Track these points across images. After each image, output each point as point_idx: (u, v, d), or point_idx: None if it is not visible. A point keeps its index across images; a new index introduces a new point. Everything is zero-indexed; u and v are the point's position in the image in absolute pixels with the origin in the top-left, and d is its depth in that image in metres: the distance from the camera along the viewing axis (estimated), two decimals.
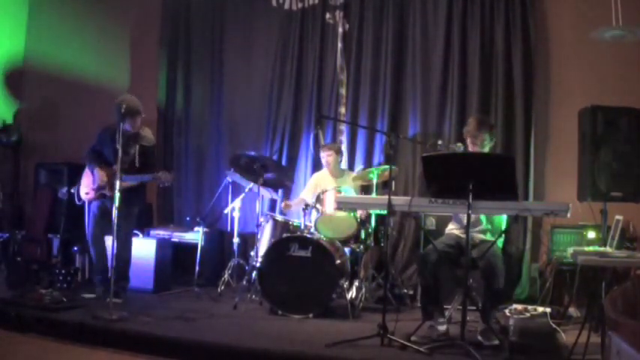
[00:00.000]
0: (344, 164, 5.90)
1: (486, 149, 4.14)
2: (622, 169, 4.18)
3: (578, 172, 4.51)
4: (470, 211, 3.52)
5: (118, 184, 4.32)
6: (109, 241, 4.79)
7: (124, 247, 4.90)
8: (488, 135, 4.14)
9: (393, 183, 4.31)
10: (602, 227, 4.27)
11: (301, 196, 5.65)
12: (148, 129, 5.08)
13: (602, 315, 3.24)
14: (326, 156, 5.57)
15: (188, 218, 6.23)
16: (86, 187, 5.01)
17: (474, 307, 3.92)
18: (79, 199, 5.09)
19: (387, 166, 4.82)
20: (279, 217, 5.39)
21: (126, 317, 4.24)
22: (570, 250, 3.61)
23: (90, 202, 5.02)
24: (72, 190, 5.25)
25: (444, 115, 5.85)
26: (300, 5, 6.45)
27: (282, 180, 5.72)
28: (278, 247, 4.73)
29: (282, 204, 5.64)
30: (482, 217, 4.10)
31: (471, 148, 4.13)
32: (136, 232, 5.45)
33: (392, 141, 4.13)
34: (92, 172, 4.94)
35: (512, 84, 5.59)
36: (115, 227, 4.40)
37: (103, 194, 4.90)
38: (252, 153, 5.43)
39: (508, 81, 5.60)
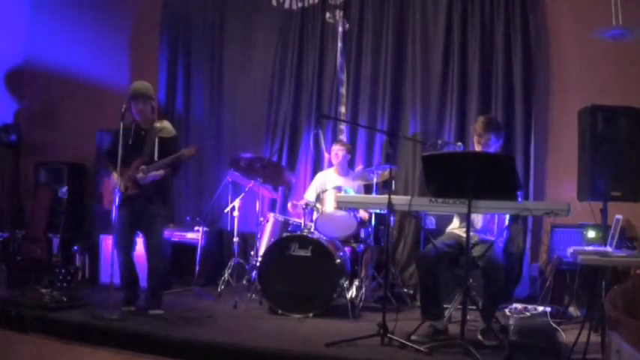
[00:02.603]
0: None
1: (492, 149, 4.14)
2: (622, 169, 4.18)
3: (578, 171, 4.51)
4: (470, 211, 3.52)
5: (120, 183, 4.26)
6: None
7: (156, 252, 4.56)
8: (495, 135, 4.13)
9: (393, 183, 4.31)
10: (602, 227, 4.27)
11: (305, 196, 5.65)
12: (167, 121, 4.76)
13: (602, 315, 3.24)
14: (337, 150, 5.56)
15: (188, 218, 6.23)
16: (110, 195, 4.62)
17: (474, 307, 3.92)
18: (107, 208, 4.71)
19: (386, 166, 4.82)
20: (279, 217, 5.39)
21: (126, 317, 4.24)
22: (570, 249, 3.61)
23: (116, 208, 4.51)
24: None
25: (444, 115, 5.86)
26: (300, 5, 6.45)
27: (282, 179, 5.72)
28: (278, 247, 4.73)
29: (289, 204, 5.63)
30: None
31: (476, 147, 4.13)
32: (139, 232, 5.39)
33: (392, 141, 4.13)
34: (110, 179, 4.63)
35: (512, 84, 5.59)
36: (115, 228, 4.37)
37: (128, 196, 4.46)
38: (252, 154, 5.43)
39: (508, 81, 5.61)
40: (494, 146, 4.15)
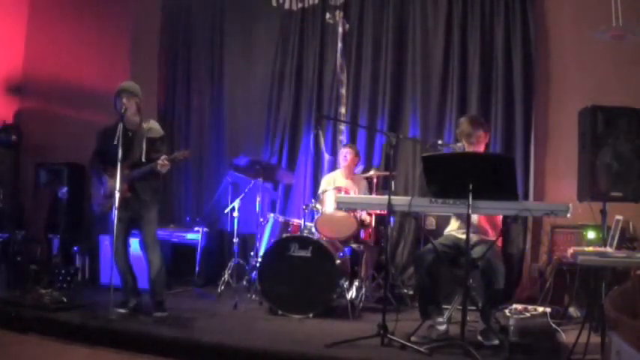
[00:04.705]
0: None
1: (482, 146, 4.14)
2: (622, 169, 4.18)
3: (578, 172, 4.51)
4: (470, 211, 3.52)
5: (118, 184, 4.23)
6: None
7: (152, 251, 4.51)
8: (483, 131, 4.14)
9: (393, 183, 4.31)
10: (602, 227, 4.28)
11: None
12: (154, 121, 4.71)
13: (602, 315, 3.24)
14: (346, 152, 5.54)
15: (188, 218, 6.23)
16: (99, 198, 4.60)
17: (474, 307, 3.92)
18: (95, 210, 4.70)
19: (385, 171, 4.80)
20: (279, 217, 5.39)
21: (126, 317, 4.24)
22: (570, 250, 3.61)
23: (109, 212, 4.44)
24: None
25: (444, 115, 5.86)
26: (300, 5, 6.46)
27: (282, 180, 5.72)
28: (278, 247, 4.73)
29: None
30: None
31: (467, 148, 4.12)
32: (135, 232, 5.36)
33: (392, 141, 4.13)
34: (102, 182, 4.56)
35: (512, 84, 5.60)
36: (114, 228, 4.36)
37: (124, 199, 4.33)
38: (252, 154, 5.43)
39: (508, 81, 5.61)
40: (483, 142, 4.15)
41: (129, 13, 7.17)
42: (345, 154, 5.55)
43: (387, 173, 4.14)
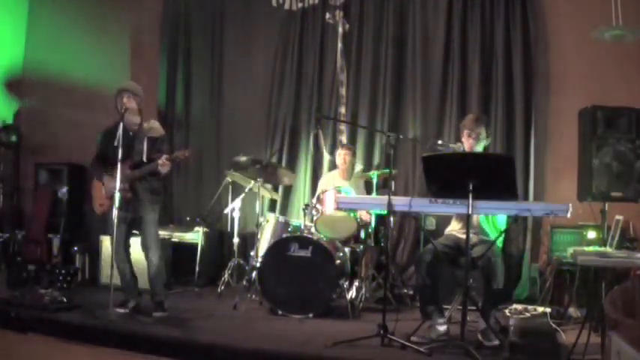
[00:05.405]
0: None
1: (481, 145, 4.14)
2: (622, 169, 4.19)
3: (578, 172, 4.51)
4: (470, 211, 3.52)
5: (117, 184, 4.22)
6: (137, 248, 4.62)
7: (153, 250, 4.50)
8: (484, 131, 4.14)
9: (393, 183, 4.31)
10: (602, 227, 4.28)
11: (313, 201, 5.62)
12: (155, 120, 4.70)
13: (602, 315, 3.24)
14: (343, 154, 5.54)
15: (188, 218, 6.23)
16: (100, 199, 4.60)
17: (474, 307, 3.91)
18: (96, 210, 4.68)
19: (386, 170, 4.81)
20: (280, 217, 5.39)
21: (125, 317, 4.24)
22: (570, 250, 3.61)
23: (109, 212, 4.41)
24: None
25: (444, 115, 5.86)
26: (300, 5, 6.46)
27: (282, 180, 5.72)
28: (278, 247, 4.73)
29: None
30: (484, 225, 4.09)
31: (465, 143, 4.12)
32: (135, 232, 5.35)
33: (392, 141, 4.12)
34: (102, 183, 4.56)
35: (512, 84, 5.60)
36: (115, 229, 4.35)
37: (123, 198, 4.31)
38: (252, 154, 5.43)
39: (508, 81, 5.61)
40: (483, 142, 4.15)
41: (129, 13, 7.17)
42: (342, 155, 5.56)
43: (388, 172, 4.11)
